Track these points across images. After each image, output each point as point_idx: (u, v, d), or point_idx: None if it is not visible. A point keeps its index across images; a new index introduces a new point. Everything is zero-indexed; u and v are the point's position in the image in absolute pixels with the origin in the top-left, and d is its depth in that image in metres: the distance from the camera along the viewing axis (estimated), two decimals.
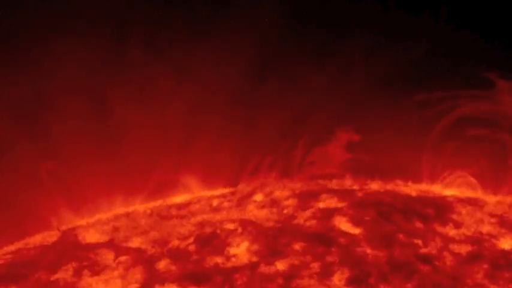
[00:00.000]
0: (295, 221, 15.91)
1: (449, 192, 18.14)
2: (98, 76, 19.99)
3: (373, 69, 20.09)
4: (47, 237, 17.43)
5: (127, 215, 17.66)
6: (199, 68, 20.15)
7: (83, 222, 18.11)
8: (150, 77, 20.18)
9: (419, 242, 15.29)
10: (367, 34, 20.06)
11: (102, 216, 18.36)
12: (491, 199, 17.74)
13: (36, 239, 17.51)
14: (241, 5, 19.85)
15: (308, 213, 16.20)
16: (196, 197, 18.51)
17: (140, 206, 18.65)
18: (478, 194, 18.15)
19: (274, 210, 16.45)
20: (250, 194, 17.54)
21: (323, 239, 15.13)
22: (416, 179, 18.64)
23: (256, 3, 19.85)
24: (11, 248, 17.35)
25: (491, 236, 15.87)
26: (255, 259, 14.57)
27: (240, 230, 15.31)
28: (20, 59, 20.13)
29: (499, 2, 20.00)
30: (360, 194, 17.17)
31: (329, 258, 14.53)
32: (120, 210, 18.67)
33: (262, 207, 16.66)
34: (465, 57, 20.02)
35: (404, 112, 19.78)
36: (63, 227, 17.84)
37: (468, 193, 18.17)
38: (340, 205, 16.50)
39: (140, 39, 20.18)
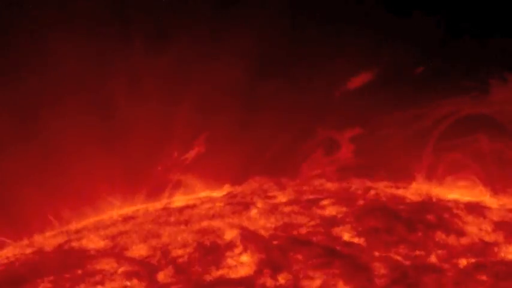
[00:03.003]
0: (297, 230, 15.79)
1: (452, 196, 18.03)
2: (98, 75, 19.83)
3: (375, 70, 19.95)
4: (47, 239, 17.32)
5: (128, 218, 17.53)
6: (202, 68, 20.02)
7: (84, 223, 18.01)
8: (152, 76, 20.02)
9: (422, 252, 15.20)
10: (371, 34, 19.88)
11: (103, 217, 18.26)
12: (495, 204, 17.63)
13: (36, 241, 17.38)
14: (245, 5, 19.68)
15: (310, 221, 16.09)
16: (197, 199, 18.38)
17: (141, 208, 18.53)
18: (482, 198, 18.03)
19: (276, 217, 16.32)
20: (252, 199, 17.41)
21: (325, 249, 15.03)
22: (420, 183, 18.54)
23: (259, 2, 19.68)
24: (10, 250, 17.24)
25: (495, 244, 15.77)
26: (256, 271, 14.48)
27: (241, 239, 15.20)
28: (20, 56, 19.94)
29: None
30: (362, 200, 17.06)
31: (331, 271, 14.42)
32: (121, 211, 18.56)
33: (264, 214, 16.52)
34: (469, 58, 19.86)
35: (407, 114, 19.65)
36: (64, 229, 17.79)
37: (472, 197, 18.06)
38: (342, 212, 16.39)
39: (144, 37, 20.02)
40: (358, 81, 19.96)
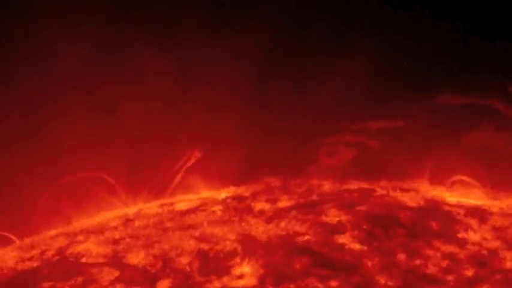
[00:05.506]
0: (299, 237, 15.73)
1: (454, 199, 17.94)
2: (100, 74, 19.75)
3: (379, 71, 19.86)
4: (48, 241, 17.30)
5: (129, 221, 17.47)
6: (206, 68, 19.95)
7: (85, 225, 17.95)
8: (155, 76, 19.94)
9: (424, 262, 15.15)
10: (376, 35, 19.78)
11: (104, 218, 18.21)
12: (497, 207, 17.53)
13: (37, 242, 17.35)
14: (248, 4, 19.56)
15: (311, 227, 16.02)
16: (200, 200, 18.29)
17: (143, 208, 18.47)
18: (485, 201, 17.93)
19: (278, 223, 16.25)
20: (254, 203, 17.35)
21: (327, 258, 14.99)
22: (422, 187, 18.46)
23: (265, 3, 19.57)
24: (11, 251, 17.21)
25: (497, 251, 15.71)
26: (258, 281, 14.45)
27: (243, 247, 15.18)
28: (21, 54, 19.88)
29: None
30: (364, 205, 16.96)
31: (334, 282, 14.39)
32: (123, 212, 18.52)
33: (266, 219, 16.47)
34: (472, 60, 19.77)
35: (409, 117, 19.58)
36: (65, 230, 17.77)
37: (474, 200, 17.97)
38: (344, 219, 16.32)
39: (146, 36, 19.93)
40: (360, 82, 19.87)
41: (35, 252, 16.74)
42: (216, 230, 16.03)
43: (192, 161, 19.76)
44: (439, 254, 15.41)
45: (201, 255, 15.13)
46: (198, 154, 19.81)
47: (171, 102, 19.96)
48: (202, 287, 14.38)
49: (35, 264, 16.14)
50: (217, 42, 19.92)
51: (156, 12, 20.15)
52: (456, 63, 20.07)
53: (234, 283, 14.46)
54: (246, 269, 14.71)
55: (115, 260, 15.38)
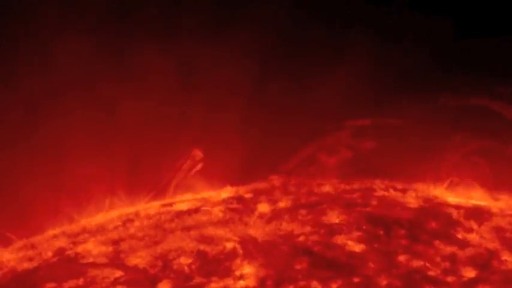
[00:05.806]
0: (299, 238, 15.74)
1: (454, 200, 17.92)
2: (101, 74, 19.71)
3: (380, 71, 19.85)
4: (48, 241, 17.28)
5: (129, 221, 17.44)
6: (206, 68, 19.92)
7: (85, 225, 17.93)
8: (155, 75, 19.91)
9: (425, 263, 15.15)
10: (377, 34, 19.77)
11: (105, 218, 18.17)
12: (498, 208, 17.52)
13: (37, 243, 17.34)
14: (250, 5, 19.55)
15: (312, 229, 16.02)
16: (200, 200, 18.26)
17: (143, 209, 18.43)
18: (485, 202, 17.91)
19: (278, 224, 16.25)
20: (254, 203, 17.33)
21: (328, 260, 14.99)
22: (422, 187, 18.42)
23: (265, 3, 19.55)
24: (11, 252, 17.21)
25: (497, 254, 15.70)
26: (259, 283, 14.45)
27: (243, 248, 15.19)
28: (20, 53, 19.85)
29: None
30: (364, 206, 16.97)
31: (333, 284, 14.39)
32: (123, 212, 18.47)
33: (266, 220, 16.47)
34: (473, 61, 19.75)
35: (409, 117, 19.56)
36: (65, 230, 17.75)
37: (473, 201, 17.94)
38: (344, 219, 16.33)
39: (146, 36, 19.91)
40: (360, 82, 19.85)
41: (35, 252, 16.73)
42: (217, 231, 16.03)
43: (193, 161, 19.69)
44: (439, 255, 15.41)
45: (201, 256, 15.15)
46: (198, 154, 19.72)
47: (171, 102, 19.93)
48: None
49: (35, 264, 16.15)
50: (217, 42, 19.88)
51: (156, 12, 20.09)
52: (456, 64, 20.02)
53: (234, 284, 14.47)
54: (247, 270, 14.72)
55: (115, 261, 15.39)
